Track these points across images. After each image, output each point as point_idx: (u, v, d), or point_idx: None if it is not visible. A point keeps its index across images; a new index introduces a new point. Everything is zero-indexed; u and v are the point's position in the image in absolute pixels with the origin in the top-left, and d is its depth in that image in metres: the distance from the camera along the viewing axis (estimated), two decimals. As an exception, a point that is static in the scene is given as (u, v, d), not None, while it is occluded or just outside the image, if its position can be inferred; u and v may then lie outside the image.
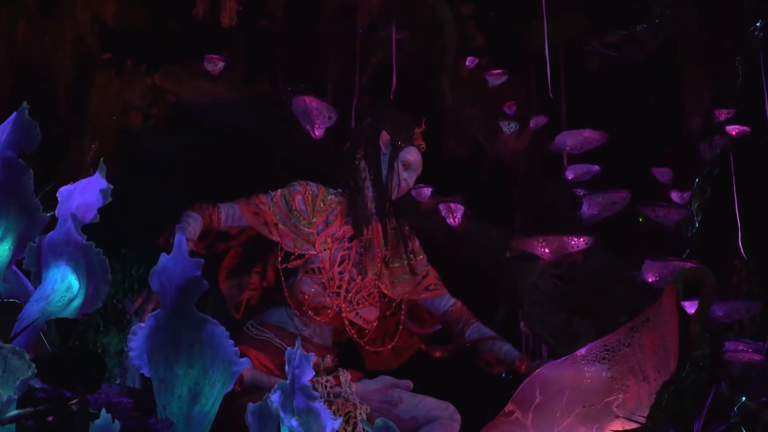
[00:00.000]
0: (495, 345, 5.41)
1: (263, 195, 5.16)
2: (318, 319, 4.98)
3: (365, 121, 5.64)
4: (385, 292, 5.30)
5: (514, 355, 5.36)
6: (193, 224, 4.82)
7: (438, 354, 5.59)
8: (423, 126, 5.49)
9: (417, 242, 5.60)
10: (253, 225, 5.03)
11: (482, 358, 5.46)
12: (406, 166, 5.23)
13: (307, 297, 4.97)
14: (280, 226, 5.03)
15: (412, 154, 5.33)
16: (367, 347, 5.30)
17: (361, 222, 5.20)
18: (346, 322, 5.09)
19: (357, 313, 5.11)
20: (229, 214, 5.03)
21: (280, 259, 5.07)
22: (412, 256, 5.38)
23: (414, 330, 5.59)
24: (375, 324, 5.25)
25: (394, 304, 5.40)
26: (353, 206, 5.23)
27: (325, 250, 5.05)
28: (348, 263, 5.08)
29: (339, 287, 5.03)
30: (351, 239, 5.18)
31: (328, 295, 5.00)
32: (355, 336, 5.20)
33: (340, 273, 5.03)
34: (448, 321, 5.53)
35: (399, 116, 5.83)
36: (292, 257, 5.05)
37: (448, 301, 5.50)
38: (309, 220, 5.09)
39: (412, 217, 7.28)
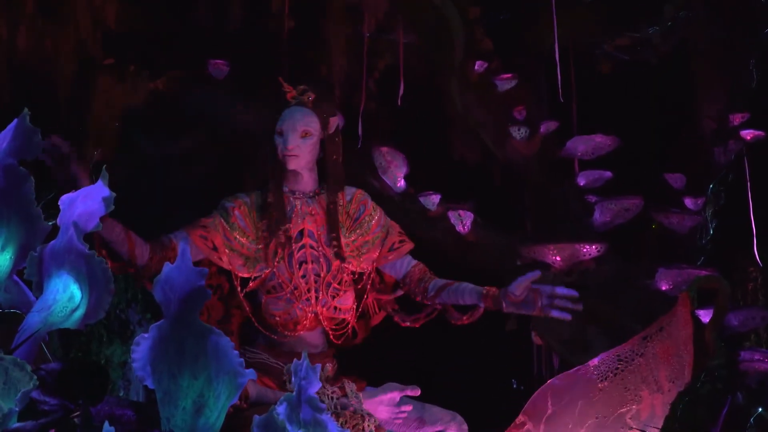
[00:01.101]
0: (458, 288, 5.11)
1: (204, 217, 4.86)
2: (297, 334, 4.83)
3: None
4: (353, 269, 5.07)
5: (478, 291, 5.05)
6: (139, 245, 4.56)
7: (407, 323, 5.34)
8: (283, 82, 5.13)
9: (368, 202, 5.27)
10: (203, 251, 4.70)
11: (448, 312, 5.17)
12: (279, 133, 4.89)
13: (278, 318, 4.77)
14: (227, 250, 4.76)
15: (282, 118, 4.94)
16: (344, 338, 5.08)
17: (278, 221, 4.90)
18: (325, 322, 4.91)
19: (335, 308, 4.93)
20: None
21: (239, 289, 4.79)
22: (358, 223, 5.11)
23: (376, 297, 5.30)
24: (355, 308, 5.07)
25: (364, 276, 5.11)
26: (267, 206, 4.94)
27: (279, 261, 4.83)
28: (307, 263, 4.89)
29: (308, 291, 4.82)
30: (299, 237, 4.95)
31: (299, 308, 4.80)
32: (335, 330, 4.99)
33: (303, 277, 4.77)
34: (409, 283, 5.24)
35: (266, 96, 5.53)
36: (250, 281, 4.78)
37: (410, 263, 5.22)
38: (254, 235, 4.84)
39: (421, 224, 7.29)
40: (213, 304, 4.79)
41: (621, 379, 4.94)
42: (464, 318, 5.00)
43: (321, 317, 4.72)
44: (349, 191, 4.96)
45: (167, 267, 2.64)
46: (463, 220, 7.48)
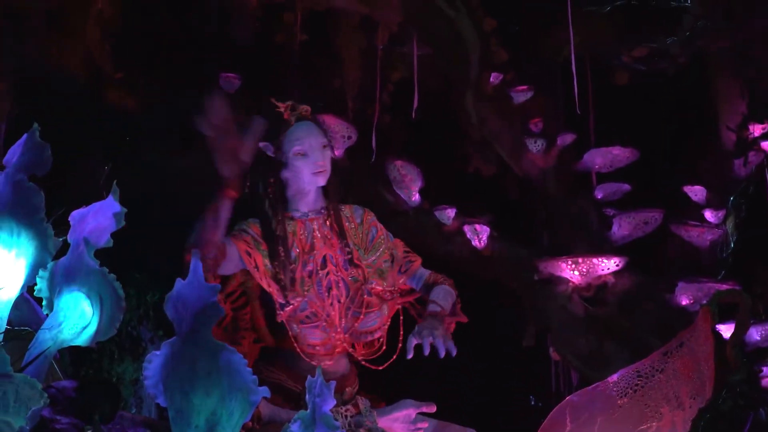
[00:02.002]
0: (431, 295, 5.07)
1: (244, 233, 4.76)
2: (332, 362, 4.78)
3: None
4: (380, 288, 5.00)
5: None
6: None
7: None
8: (287, 102, 5.03)
9: (369, 218, 5.20)
10: (246, 265, 4.62)
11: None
12: (301, 154, 4.79)
13: (319, 348, 4.72)
14: (269, 273, 4.68)
15: (294, 141, 4.84)
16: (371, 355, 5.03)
17: (278, 244, 4.80)
18: (357, 347, 4.85)
19: (360, 333, 4.87)
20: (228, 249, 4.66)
21: (279, 314, 4.68)
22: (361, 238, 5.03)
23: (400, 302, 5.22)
24: (385, 328, 4.99)
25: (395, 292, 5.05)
26: (270, 234, 4.83)
27: (307, 290, 4.75)
28: (332, 289, 4.80)
29: (338, 319, 4.74)
30: (324, 263, 4.86)
31: (333, 336, 4.75)
32: (366, 355, 4.94)
33: (331, 305, 4.73)
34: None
35: (263, 113, 5.44)
36: (280, 308, 4.66)
37: (422, 275, 5.16)
38: (276, 259, 4.74)
39: (436, 238, 7.30)
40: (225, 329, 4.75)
41: (641, 395, 4.93)
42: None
43: (349, 342, 4.67)
44: (357, 212, 4.90)
45: (179, 283, 2.64)
46: (479, 234, 7.47)
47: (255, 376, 2.67)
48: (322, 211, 4.78)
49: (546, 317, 7.21)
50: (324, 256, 4.73)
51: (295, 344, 4.59)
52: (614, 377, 5.03)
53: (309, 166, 4.61)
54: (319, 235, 4.74)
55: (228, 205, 4.30)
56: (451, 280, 5.03)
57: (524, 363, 8.24)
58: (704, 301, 6.10)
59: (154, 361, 2.68)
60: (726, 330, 4.94)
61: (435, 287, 4.87)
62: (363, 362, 4.77)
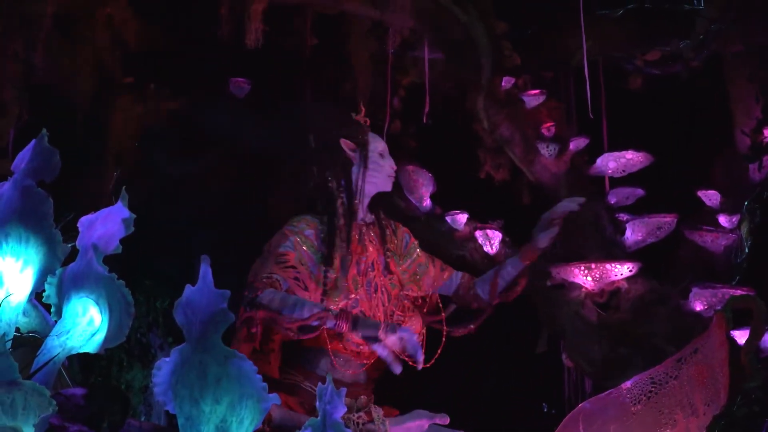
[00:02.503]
0: (501, 273, 5.16)
1: (283, 250, 4.83)
2: (370, 362, 4.84)
3: (311, 144, 5.33)
4: (415, 294, 5.11)
5: (514, 260, 5.11)
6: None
7: (459, 333, 5.39)
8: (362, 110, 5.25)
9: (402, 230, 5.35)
10: (296, 292, 4.72)
11: (504, 294, 5.20)
12: (384, 155, 5.00)
13: (363, 346, 4.78)
14: (317, 286, 4.79)
15: (378, 141, 5.09)
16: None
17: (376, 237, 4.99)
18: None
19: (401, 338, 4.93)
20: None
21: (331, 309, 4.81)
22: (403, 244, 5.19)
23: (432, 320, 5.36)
24: (424, 334, 5.09)
25: (427, 299, 5.18)
26: (356, 231, 5.00)
27: (358, 288, 4.86)
28: (377, 293, 4.92)
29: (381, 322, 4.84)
30: (372, 267, 4.99)
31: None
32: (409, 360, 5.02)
33: (376, 306, 4.84)
34: (462, 295, 5.30)
35: (337, 116, 5.63)
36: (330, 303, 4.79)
37: (457, 275, 5.30)
38: (332, 263, 4.84)
39: (448, 244, 7.29)
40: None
41: (655, 402, 4.92)
42: (470, 327, 5.03)
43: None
44: (391, 222, 5.04)
45: (188, 289, 2.63)
46: (490, 240, 7.46)
47: (265, 384, 2.67)
48: (371, 218, 4.88)
49: (559, 323, 7.19)
50: (373, 260, 4.82)
51: (337, 342, 4.65)
52: (628, 384, 5.02)
53: (389, 168, 4.78)
54: (367, 240, 4.84)
55: None
56: None
57: (537, 370, 8.23)
58: (718, 307, 6.09)
59: (164, 368, 2.68)
60: (740, 336, 4.93)
61: (498, 271, 5.02)
62: (409, 361, 4.83)
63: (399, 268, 4.88)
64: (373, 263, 4.81)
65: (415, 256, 4.96)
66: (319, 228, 4.78)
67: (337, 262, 4.70)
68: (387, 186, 4.86)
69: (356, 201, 4.80)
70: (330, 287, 4.64)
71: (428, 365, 4.94)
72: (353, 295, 4.65)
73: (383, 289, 4.79)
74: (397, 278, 4.85)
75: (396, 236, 4.98)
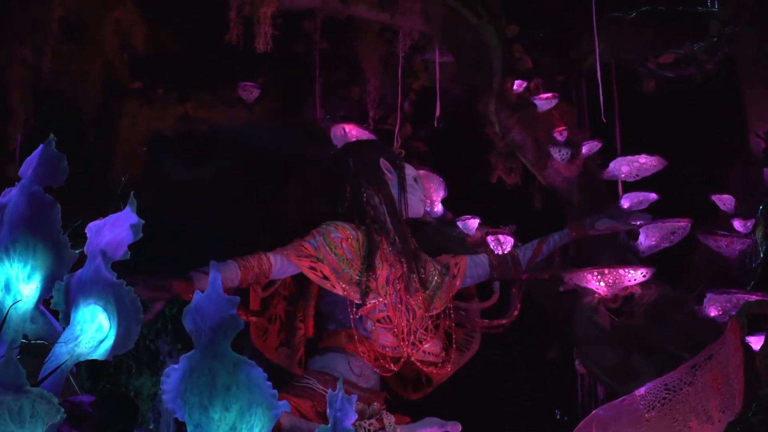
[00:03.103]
0: (548, 245, 5.41)
1: (306, 244, 5.06)
2: (396, 368, 4.97)
3: (349, 159, 5.53)
4: (438, 311, 5.28)
5: (564, 232, 5.38)
6: (224, 269, 4.72)
7: (501, 324, 5.56)
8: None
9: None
10: (313, 280, 4.96)
11: (551, 267, 5.46)
12: (417, 181, 5.23)
13: (388, 349, 4.93)
14: (340, 280, 4.98)
15: (411, 169, 5.36)
16: (437, 372, 5.27)
17: (410, 258, 5.18)
18: (417, 364, 5.08)
19: (424, 352, 5.10)
20: (281, 266, 4.93)
21: (354, 310, 4.99)
22: (431, 268, 5.36)
23: (473, 309, 5.58)
24: (444, 354, 5.23)
25: (443, 313, 5.37)
26: (390, 244, 5.18)
27: (386, 295, 5.03)
28: (402, 305, 5.07)
29: (404, 332, 5.01)
30: (399, 279, 5.14)
31: (401, 345, 4.99)
32: (433, 371, 5.18)
33: (401, 317, 5.02)
34: (497, 267, 5.52)
35: (375, 143, 5.89)
36: (360, 308, 5.00)
37: (479, 259, 5.50)
38: (359, 268, 5.02)
39: (459, 249, 7.29)
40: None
41: (669, 409, 4.91)
42: (504, 321, 5.21)
43: (413, 359, 4.88)
44: (419, 250, 5.26)
45: (197, 296, 2.64)
46: (502, 245, 7.44)
47: (275, 390, 2.67)
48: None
49: (571, 329, 7.18)
50: (401, 275, 4.98)
51: (362, 345, 4.76)
52: (641, 390, 5.02)
53: (420, 193, 4.97)
54: (396, 254, 5.00)
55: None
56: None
57: (549, 376, 8.22)
58: (733, 313, 6.09)
59: (173, 375, 2.68)
60: (756, 342, 4.92)
61: (546, 239, 5.25)
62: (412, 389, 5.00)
63: (425, 292, 5.07)
64: (401, 277, 4.96)
65: (429, 277, 5.12)
66: (351, 235, 4.97)
67: (376, 269, 4.89)
68: (419, 211, 5.12)
69: (400, 219, 5.03)
70: (365, 288, 4.83)
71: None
72: (382, 299, 4.83)
73: (408, 306, 4.95)
74: (422, 300, 5.00)
75: (425, 267, 5.16)
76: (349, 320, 5.00)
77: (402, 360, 4.95)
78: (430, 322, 5.11)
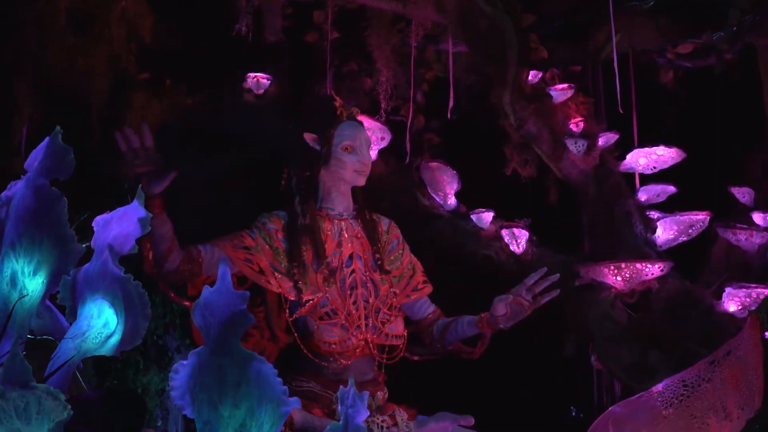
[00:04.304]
0: (457, 324, 5.13)
1: (245, 233, 4.84)
2: (348, 362, 4.82)
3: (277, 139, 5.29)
4: (395, 289, 5.10)
5: (473, 320, 5.06)
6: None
7: (416, 358, 5.36)
8: (338, 99, 5.17)
9: (394, 229, 5.31)
10: (247, 275, 4.70)
11: (460, 349, 5.18)
12: (349, 149, 4.92)
13: (334, 346, 4.75)
14: (275, 273, 4.76)
15: (348, 134, 4.98)
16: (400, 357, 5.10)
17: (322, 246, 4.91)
18: (375, 351, 4.91)
19: (386, 335, 4.93)
20: (210, 256, 4.71)
21: (288, 312, 4.75)
22: (390, 247, 5.16)
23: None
24: (406, 335, 5.07)
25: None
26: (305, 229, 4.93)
27: (329, 285, 4.83)
28: (356, 288, 4.89)
29: (359, 318, 4.80)
30: (349, 261, 4.97)
31: (353, 335, 4.80)
32: (386, 359, 5.01)
33: (354, 303, 4.79)
34: (423, 326, 5.28)
35: (309, 104, 5.59)
36: (298, 306, 4.73)
37: (428, 307, 5.26)
38: (298, 259, 4.81)
39: (473, 243, 7.28)
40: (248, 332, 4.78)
41: (687, 406, 4.91)
42: (475, 351, 5.02)
43: (371, 344, 4.72)
44: (385, 221, 5.03)
45: (207, 290, 2.63)
46: (517, 239, 7.45)
47: (285, 387, 2.66)
48: (353, 212, 4.87)
49: (587, 325, 7.17)
50: (351, 254, 4.81)
51: (309, 342, 4.63)
52: (659, 387, 5.02)
53: (355, 163, 4.75)
54: (347, 235, 4.83)
55: (160, 220, 4.36)
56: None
57: (565, 373, 8.22)
58: (753, 308, 6.08)
59: (181, 372, 2.68)
60: (776, 338, 4.91)
61: (457, 321, 4.97)
62: (382, 368, 4.83)
63: (389, 266, 4.90)
64: (351, 257, 4.81)
65: (395, 265, 4.96)
66: (285, 224, 4.78)
67: (305, 257, 4.70)
68: (357, 180, 4.82)
69: (312, 199, 4.79)
70: (299, 282, 4.66)
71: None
72: (320, 294, 4.64)
73: (371, 284, 4.80)
74: (388, 276, 4.85)
75: (386, 237, 4.99)
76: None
77: (357, 351, 4.80)
78: (395, 299, 4.93)
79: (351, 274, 4.76)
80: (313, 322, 4.62)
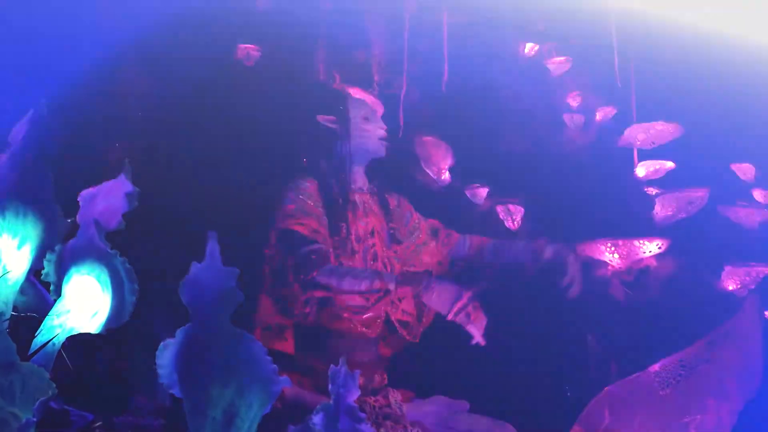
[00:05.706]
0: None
1: (288, 202, 4.85)
2: (368, 331, 4.82)
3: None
4: (417, 269, 5.12)
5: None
6: None
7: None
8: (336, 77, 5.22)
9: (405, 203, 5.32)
10: (306, 235, 4.73)
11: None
12: (369, 118, 4.98)
13: (354, 313, 4.77)
14: (325, 230, 4.81)
15: (361, 106, 5.03)
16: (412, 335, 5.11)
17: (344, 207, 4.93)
18: (396, 323, 4.93)
19: (402, 311, 4.96)
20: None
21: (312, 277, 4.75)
22: (406, 218, 5.18)
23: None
24: (417, 312, 5.09)
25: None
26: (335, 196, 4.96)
27: (353, 254, 4.86)
28: (376, 262, 4.92)
29: (379, 290, 4.77)
30: (371, 234, 4.99)
31: (373, 304, 4.81)
32: (406, 335, 5.02)
33: None
34: (471, 255, 5.33)
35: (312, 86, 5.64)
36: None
37: (465, 240, 5.31)
38: (326, 228, 4.83)
39: (466, 219, 7.28)
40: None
41: (684, 386, 4.93)
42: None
43: (392, 318, 4.75)
44: (393, 195, 5.05)
45: (195, 267, 2.63)
46: (512, 215, 7.44)
47: (275, 366, 2.66)
48: (370, 186, 4.90)
49: (583, 304, 7.18)
50: (372, 228, 4.84)
51: (327, 316, 4.66)
52: (656, 367, 5.03)
53: (377, 130, 4.79)
54: (367, 208, 4.85)
55: None
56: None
57: (560, 352, 8.23)
58: (752, 287, 6.09)
59: (169, 350, 2.68)
60: (775, 318, 4.92)
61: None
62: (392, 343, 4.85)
63: (401, 246, 4.91)
64: (373, 231, 4.83)
65: (416, 234, 4.97)
66: (312, 193, 4.80)
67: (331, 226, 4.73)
68: (379, 151, 4.86)
69: (343, 174, 4.80)
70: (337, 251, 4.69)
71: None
72: (348, 262, 4.67)
73: (386, 261, 4.81)
74: (401, 252, 4.87)
75: (398, 211, 5.00)
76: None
77: (377, 320, 4.82)
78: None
79: (372, 247, 4.79)
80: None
